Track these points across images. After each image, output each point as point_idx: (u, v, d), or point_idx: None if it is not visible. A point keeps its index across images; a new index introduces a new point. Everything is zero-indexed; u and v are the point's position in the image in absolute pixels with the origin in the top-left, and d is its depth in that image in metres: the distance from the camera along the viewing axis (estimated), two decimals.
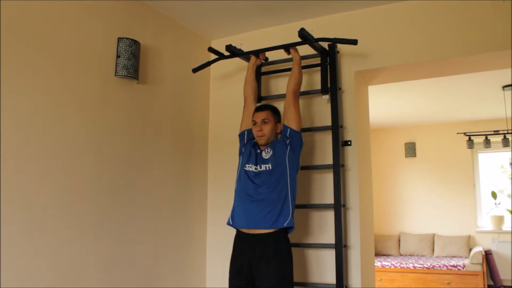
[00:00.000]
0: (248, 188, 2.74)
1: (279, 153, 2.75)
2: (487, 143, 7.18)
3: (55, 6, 2.53)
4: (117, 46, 2.88)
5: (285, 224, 2.62)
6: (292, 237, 3.22)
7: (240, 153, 2.95)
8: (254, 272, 2.61)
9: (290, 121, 2.79)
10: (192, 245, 3.46)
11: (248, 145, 2.93)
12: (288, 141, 2.76)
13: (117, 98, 2.89)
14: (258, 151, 2.85)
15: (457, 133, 7.64)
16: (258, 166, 2.77)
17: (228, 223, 2.81)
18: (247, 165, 2.82)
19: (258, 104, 3.06)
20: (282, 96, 3.34)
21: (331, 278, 3.04)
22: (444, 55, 3.00)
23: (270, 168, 2.72)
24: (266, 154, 2.79)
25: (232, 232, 3.48)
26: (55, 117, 2.48)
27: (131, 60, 2.88)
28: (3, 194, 2.19)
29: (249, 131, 2.96)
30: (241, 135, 3.00)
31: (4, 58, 2.24)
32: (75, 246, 2.54)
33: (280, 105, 3.11)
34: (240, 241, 2.74)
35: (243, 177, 2.80)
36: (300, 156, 2.82)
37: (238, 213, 2.75)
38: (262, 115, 2.83)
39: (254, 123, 2.85)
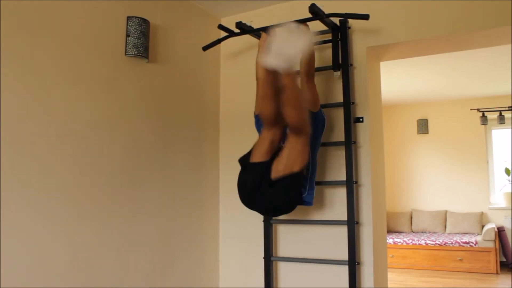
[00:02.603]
0: None
1: None
2: (501, 119, 7.11)
3: None
4: (127, 25, 2.86)
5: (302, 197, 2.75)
6: (305, 213, 3.24)
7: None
8: None
9: (308, 102, 2.82)
10: (205, 224, 3.49)
11: None
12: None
13: (127, 78, 2.89)
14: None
15: (471, 109, 7.57)
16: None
17: None
18: None
19: None
20: None
21: (344, 255, 3.06)
22: (458, 30, 2.95)
23: None
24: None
25: (245, 211, 3.50)
26: (66, 97, 2.49)
27: (141, 39, 2.87)
28: (16, 174, 2.22)
29: None
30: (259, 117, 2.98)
31: (12, 39, 2.24)
32: (89, 224, 2.58)
33: None
34: None
35: None
36: (322, 135, 2.91)
37: None
38: None
39: None
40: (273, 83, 2.43)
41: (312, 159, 2.83)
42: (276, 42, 2.21)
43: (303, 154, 2.45)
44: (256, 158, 2.54)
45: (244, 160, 2.63)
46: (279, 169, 2.45)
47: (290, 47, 2.21)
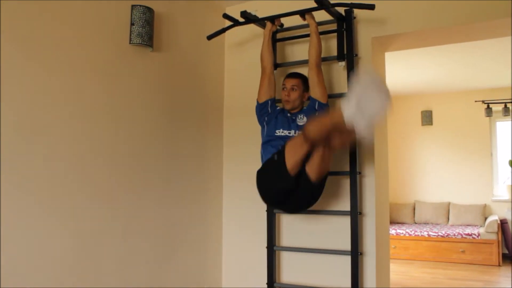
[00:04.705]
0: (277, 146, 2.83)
1: None
2: (506, 111, 7.06)
3: None
4: (131, 13, 2.85)
5: None
6: None
7: (263, 121, 3.00)
8: None
9: (318, 94, 2.87)
10: (208, 213, 3.50)
11: (272, 114, 2.98)
12: (317, 114, 2.84)
13: (132, 66, 2.89)
14: (289, 114, 2.93)
15: (475, 101, 7.52)
16: (293, 131, 2.85)
17: None
18: (277, 131, 2.89)
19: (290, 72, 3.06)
20: (298, 63, 3.31)
21: (346, 245, 3.07)
22: (463, 21, 2.93)
23: None
24: (300, 120, 2.89)
25: (248, 200, 3.51)
26: (71, 86, 2.49)
27: (145, 28, 2.86)
28: (19, 162, 2.23)
29: (273, 101, 3.01)
30: (264, 104, 3.01)
31: (15, 28, 2.24)
32: (92, 213, 2.59)
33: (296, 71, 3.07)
34: None
35: (277, 142, 2.85)
36: None
37: None
38: (292, 81, 2.92)
39: (284, 88, 2.94)
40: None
41: None
42: (358, 94, 2.12)
43: (331, 159, 2.66)
44: (291, 166, 2.54)
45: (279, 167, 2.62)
46: (316, 174, 2.58)
47: (370, 105, 2.11)
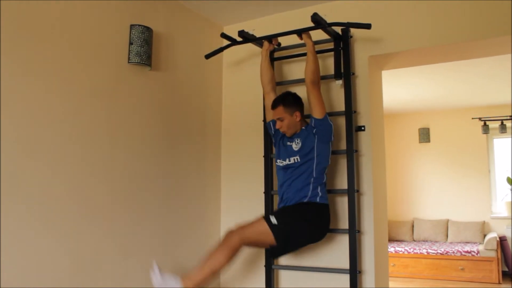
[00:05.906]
0: (280, 180, 2.90)
1: (308, 144, 2.81)
2: (502, 128, 7.09)
3: None
4: (130, 33, 2.88)
5: (318, 199, 2.78)
6: None
7: (273, 143, 3.07)
8: None
9: (313, 111, 2.84)
10: (206, 232, 3.48)
11: (277, 136, 2.99)
12: (314, 131, 2.81)
13: (130, 85, 2.91)
14: (288, 143, 2.90)
15: (472, 118, 7.55)
16: (293, 158, 2.83)
17: None
18: (278, 161, 2.92)
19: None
20: (296, 82, 3.33)
21: (345, 263, 3.05)
22: (459, 39, 2.96)
23: (299, 160, 2.80)
24: (296, 145, 2.85)
25: (246, 218, 3.49)
26: (69, 104, 2.50)
27: (144, 47, 2.88)
28: (18, 181, 2.22)
29: (274, 122, 2.98)
30: (268, 126, 3.08)
31: (15, 46, 2.26)
32: (90, 230, 2.58)
33: (294, 90, 3.09)
34: None
35: (279, 174, 2.93)
36: (330, 143, 2.89)
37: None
38: (275, 114, 2.88)
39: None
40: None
41: (319, 167, 2.82)
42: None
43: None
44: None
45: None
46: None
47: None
